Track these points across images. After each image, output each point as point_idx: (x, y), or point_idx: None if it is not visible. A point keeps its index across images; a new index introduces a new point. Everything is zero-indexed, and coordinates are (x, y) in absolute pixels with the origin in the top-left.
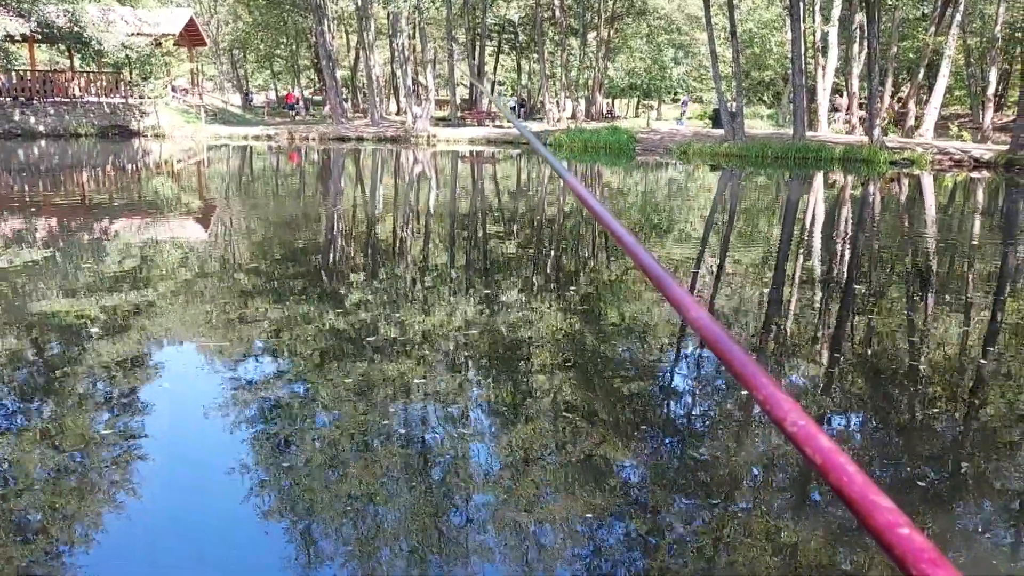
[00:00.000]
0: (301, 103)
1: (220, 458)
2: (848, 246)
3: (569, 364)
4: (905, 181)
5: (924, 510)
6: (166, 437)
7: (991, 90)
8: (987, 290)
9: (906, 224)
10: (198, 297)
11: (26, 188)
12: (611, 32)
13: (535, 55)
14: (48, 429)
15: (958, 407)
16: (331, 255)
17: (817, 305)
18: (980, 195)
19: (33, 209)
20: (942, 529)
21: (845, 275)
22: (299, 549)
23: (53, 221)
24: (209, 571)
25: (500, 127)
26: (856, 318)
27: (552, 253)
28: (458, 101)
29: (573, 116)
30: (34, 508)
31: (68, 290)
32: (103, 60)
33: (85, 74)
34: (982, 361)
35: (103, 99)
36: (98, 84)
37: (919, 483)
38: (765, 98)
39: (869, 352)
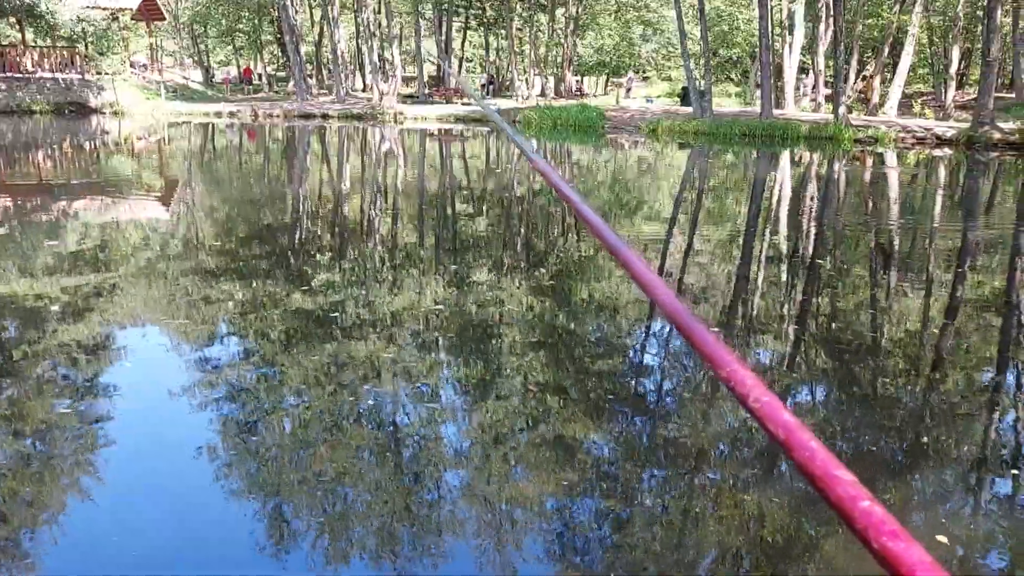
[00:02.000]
0: (264, 79)
1: (187, 440)
2: (812, 224)
3: (539, 342)
4: (869, 159)
5: (885, 479)
6: (131, 420)
7: (953, 68)
8: (946, 267)
9: (869, 202)
10: (161, 278)
11: None
12: (579, 8)
13: (503, 31)
14: (9, 413)
15: (919, 380)
16: (298, 235)
17: (782, 282)
18: (942, 172)
19: None
20: (903, 497)
21: (809, 252)
22: (269, 529)
23: (9, 201)
24: (179, 553)
25: (468, 104)
26: (820, 294)
27: (522, 232)
28: (425, 78)
29: (542, 93)
30: (10, 490)
31: (27, 271)
32: (57, 34)
33: (38, 48)
34: (941, 335)
35: (58, 75)
36: (52, 59)
37: (880, 453)
38: (733, 76)
39: (833, 327)
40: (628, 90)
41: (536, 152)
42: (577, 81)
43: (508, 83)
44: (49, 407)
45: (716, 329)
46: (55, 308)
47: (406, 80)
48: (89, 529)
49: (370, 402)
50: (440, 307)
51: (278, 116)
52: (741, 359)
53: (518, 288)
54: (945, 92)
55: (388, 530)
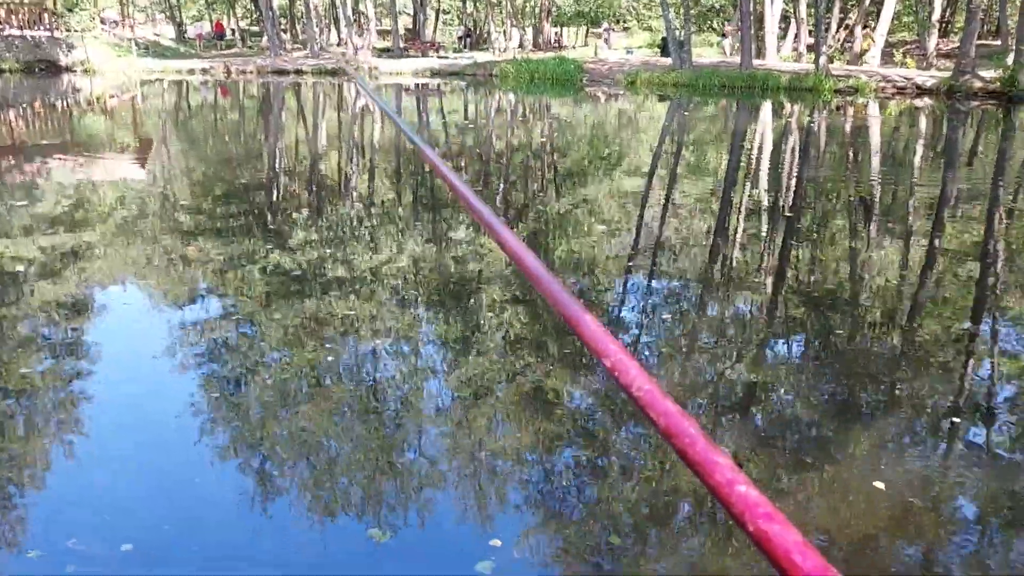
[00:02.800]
0: (236, 34)
1: (169, 399)
2: (784, 177)
3: (517, 298)
4: (849, 110)
5: (858, 429)
6: (111, 378)
7: (936, 16)
8: (922, 217)
9: (843, 154)
10: (138, 238)
11: None
12: None
13: None
14: None
15: (894, 329)
16: (274, 193)
17: (759, 235)
18: (922, 123)
19: None
20: (873, 446)
21: (784, 205)
22: (253, 486)
23: None
24: (163, 511)
25: (445, 58)
26: (797, 247)
27: (501, 187)
28: (401, 31)
29: (520, 46)
30: None
31: (2, 232)
32: None
33: (5, 5)
34: (917, 285)
35: (27, 32)
36: (20, 16)
37: (854, 403)
38: (715, 25)
39: (809, 279)
40: (606, 40)
41: (426, 143)
42: (556, 33)
43: (486, 36)
44: (29, 366)
45: (602, 320)
46: (32, 268)
47: (381, 34)
48: (74, 488)
49: (351, 358)
50: (419, 264)
51: (251, 72)
52: (625, 348)
53: (496, 244)
54: (928, 41)
55: (371, 483)
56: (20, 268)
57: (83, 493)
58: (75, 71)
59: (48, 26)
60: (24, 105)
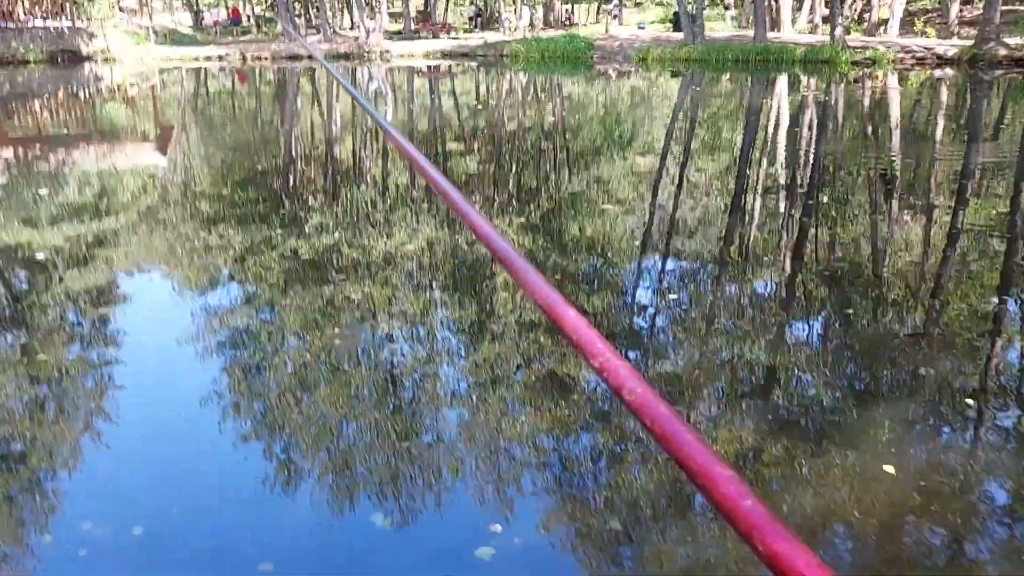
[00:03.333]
0: (252, 20)
1: (186, 385)
2: (801, 151)
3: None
4: (866, 82)
5: (877, 410)
6: (138, 365)
7: None
8: (944, 193)
9: (862, 128)
10: (161, 225)
11: None
12: None
13: None
14: (20, 360)
15: (915, 308)
16: (292, 178)
17: (776, 212)
18: (943, 95)
19: None
20: (890, 428)
21: (800, 181)
22: (275, 469)
23: (9, 152)
24: (190, 494)
25: (456, 39)
26: (814, 225)
27: (513, 169)
28: (412, 13)
29: (531, 24)
30: (12, 438)
31: (29, 221)
32: None
33: None
34: (937, 262)
35: (49, 23)
36: (42, 7)
37: (873, 383)
38: None
39: (829, 256)
40: (615, 16)
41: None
42: (567, 11)
43: (497, 15)
44: (51, 352)
45: (588, 319)
46: (56, 256)
47: (393, 16)
48: (102, 471)
49: (369, 342)
50: (435, 248)
51: (266, 58)
52: (614, 349)
53: (508, 226)
54: (950, 8)
55: (390, 467)
56: (44, 255)
57: (100, 478)
58: (96, 60)
59: (69, 16)
60: (48, 95)
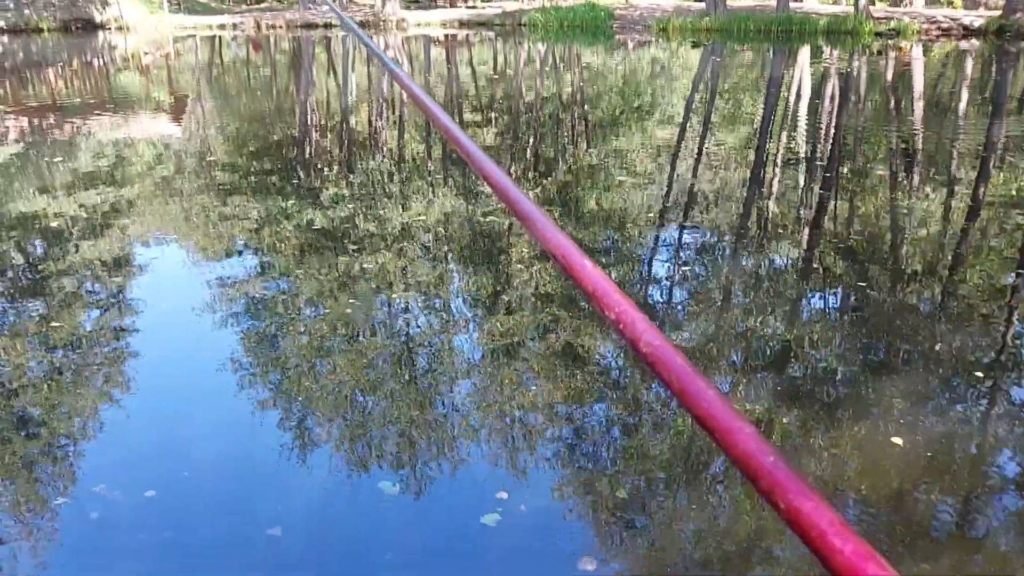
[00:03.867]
0: None
1: (207, 352)
2: (823, 123)
3: (547, 254)
4: (890, 53)
5: (892, 383)
6: (153, 333)
7: None
8: (967, 166)
9: (885, 100)
10: (176, 194)
11: None
12: None
13: None
14: (37, 328)
15: (934, 281)
16: (307, 148)
17: (796, 185)
18: (968, 67)
19: (2, 109)
20: (914, 401)
21: (820, 153)
22: (292, 438)
23: (24, 121)
24: (202, 459)
25: (473, 8)
26: (835, 197)
27: (530, 140)
28: None
29: None
30: (33, 405)
31: (45, 189)
32: None
33: None
34: (958, 236)
35: None
36: None
37: (889, 356)
38: None
39: (848, 230)
40: None
41: (398, 67)
42: None
43: None
44: (66, 319)
45: (605, 269)
46: (74, 225)
47: None
48: (120, 438)
49: (385, 313)
50: (451, 220)
51: (281, 27)
52: (631, 300)
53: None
54: None
55: (405, 435)
56: (60, 224)
57: (114, 441)
58: (109, 28)
59: None
60: (62, 63)
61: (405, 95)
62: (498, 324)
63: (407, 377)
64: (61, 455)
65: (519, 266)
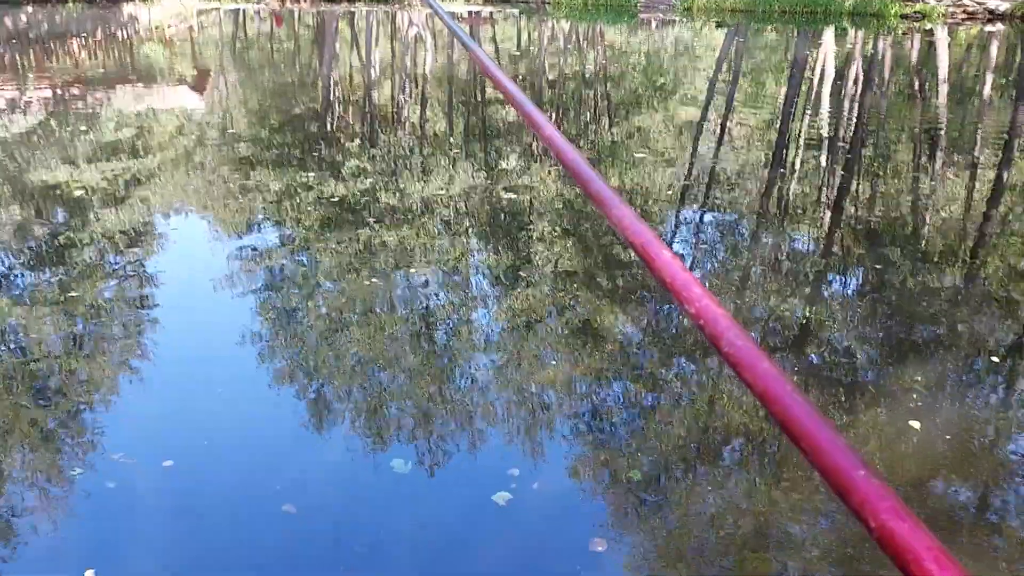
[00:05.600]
0: None
1: (227, 324)
2: (841, 106)
3: (568, 231)
4: (915, 36)
5: (916, 367)
6: (173, 304)
7: None
8: (990, 150)
9: (910, 82)
10: (198, 167)
11: (17, 58)
12: None
13: None
14: (58, 298)
15: (955, 266)
16: (329, 122)
17: (819, 166)
18: (994, 50)
19: (26, 80)
20: (933, 385)
21: (846, 136)
22: (310, 414)
23: (48, 91)
24: (220, 431)
25: None
26: (858, 180)
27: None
28: None
29: None
30: (48, 373)
31: (68, 160)
32: None
33: None
34: (980, 220)
35: None
36: None
37: (909, 339)
38: None
39: (870, 213)
40: None
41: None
42: None
43: None
44: (88, 290)
45: (684, 262)
46: (95, 195)
47: None
48: (138, 410)
49: (404, 288)
50: (471, 196)
51: (305, 1)
52: (713, 295)
53: (548, 175)
54: None
55: (423, 411)
56: (81, 194)
57: (134, 412)
58: (133, 0)
59: None
60: (85, 35)
61: (478, 70)
62: (517, 301)
63: (423, 352)
64: (80, 424)
65: (539, 244)
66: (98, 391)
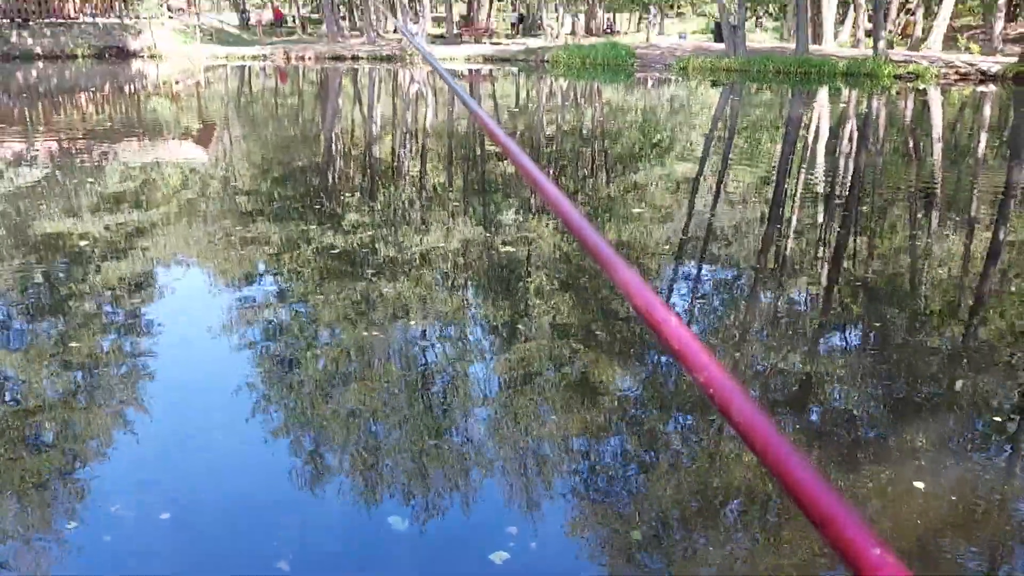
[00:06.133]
0: (297, 21)
1: (225, 376)
2: (836, 165)
3: (566, 284)
4: (909, 96)
5: (916, 426)
6: (172, 356)
7: None
8: (985, 209)
9: (904, 142)
10: (200, 218)
11: (27, 111)
12: None
13: None
14: (56, 348)
15: (955, 325)
16: (330, 176)
17: (815, 223)
18: (986, 111)
19: (35, 132)
20: (934, 445)
21: (842, 193)
22: (304, 464)
23: (54, 144)
24: (217, 484)
25: (498, 44)
26: (854, 237)
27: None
28: (456, 17)
29: (572, 32)
30: (47, 424)
31: (71, 211)
32: None
33: None
34: (977, 279)
35: (99, 19)
36: (93, 3)
37: (908, 400)
38: (771, 10)
39: (867, 271)
40: (655, 25)
41: (477, 105)
42: (608, 19)
43: (539, 22)
44: (88, 340)
45: (696, 334)
46: (97, 247)
47: (436, 20)
48: (133, 459)
49: (401, 341)
50: (469, 249)
51: (310, 58)
52: (719, 361)
53: (546, 229)
54: (994, 24)
55: (418, 465)
56: (83, 244)
57: (132, 464)
58: (142, 56)
59: (119, 13)
60: (95, 89)
61: (478, 125)
62: (515, 355)
63: (420, 406)
64: (76, 475)
65: (537, 297)
66: (93, 442)
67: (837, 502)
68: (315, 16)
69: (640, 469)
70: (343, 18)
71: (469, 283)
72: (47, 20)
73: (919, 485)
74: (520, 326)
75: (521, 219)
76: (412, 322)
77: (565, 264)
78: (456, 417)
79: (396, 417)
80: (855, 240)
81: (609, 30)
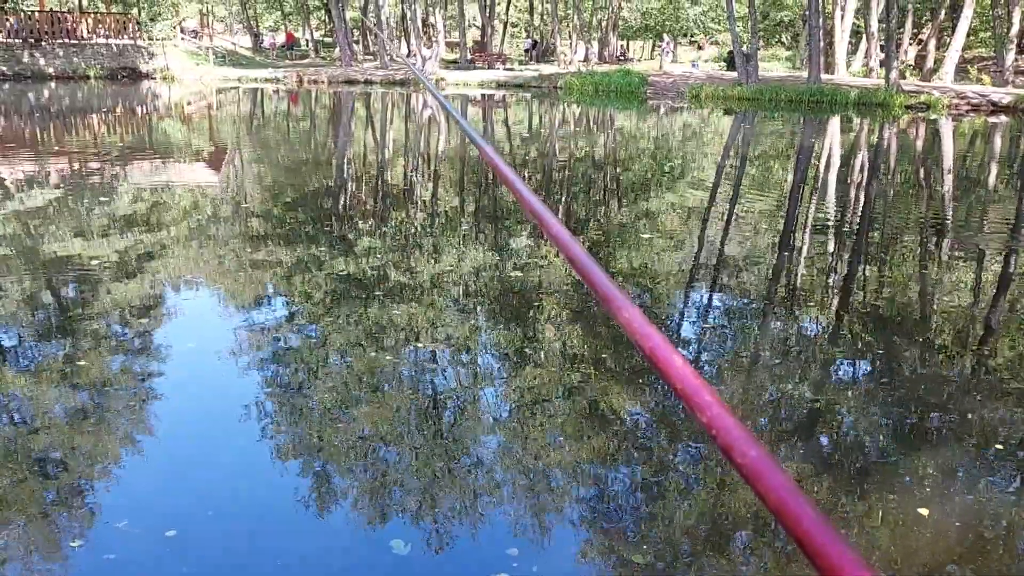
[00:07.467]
0: (310, 44)
1: (234, 400)
2: (850, 194)
3: (577, 311)
4: (920, 126)
5: (925, 456)
6: (181, 379)
7: (1015, 31)
8: (996, 239)
9: (915, 171)
10: (211, 241)
11: (38, 131)
12: None
13: None
14: (65, 370)
15: (965, 356)
16: (342, 200)
17: (826, 252)
18: (997, 141)
19: (47, 153)
20: (943, 475)
21: (852, 222)
22: (312, 489)
23: (65, 165)
24: (224, 510)
25: (511, 70)
26: (865, 267)
27: (562, 199)
28: (469, 43)
29: (586, 59)
30: (54, 446)
31: (81, 233)
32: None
33: (93, 14)
34: (989, 311)
35: (111, 40)
36: (106, 25)
37: (917, 430)
38: (784, 39)
39: (877, 300)
40: (668, 53)
41: (486, 143)
42: (622, 46)
43: (552, 48)
44: (97, 361)
45: (697, 369)
46: (107, 268)
47: (450, 45)
48: (139, 484)
49: (411, 366)
50: (480, 275)
51: (322, 82)
52: (724, 403)
53: (558, 256)
54: (1005, 56)
55: (428, 492)
56: (95, 266)
57: (141, 481)
58: (155, 78)
59: (132, 35)
60: (106, 111)
61: (480, 156)
62: (522, 380)
63: (425, 430)
64: (83, 501)
65: (547, 323)
66: (100, 461)
67: (846, 552)
68: (328, 40)
69: (645, 496)
70: (356, 42)
71: (479, 308)
72: (60, 41)
73: (923, 512)
74: (528, 351)
75: (532, 244)
76: (421, 346)
77: (575, 290)
78: (459, 441)
79: (402, 441)
80: (865, 270)
81: (622, 57)
